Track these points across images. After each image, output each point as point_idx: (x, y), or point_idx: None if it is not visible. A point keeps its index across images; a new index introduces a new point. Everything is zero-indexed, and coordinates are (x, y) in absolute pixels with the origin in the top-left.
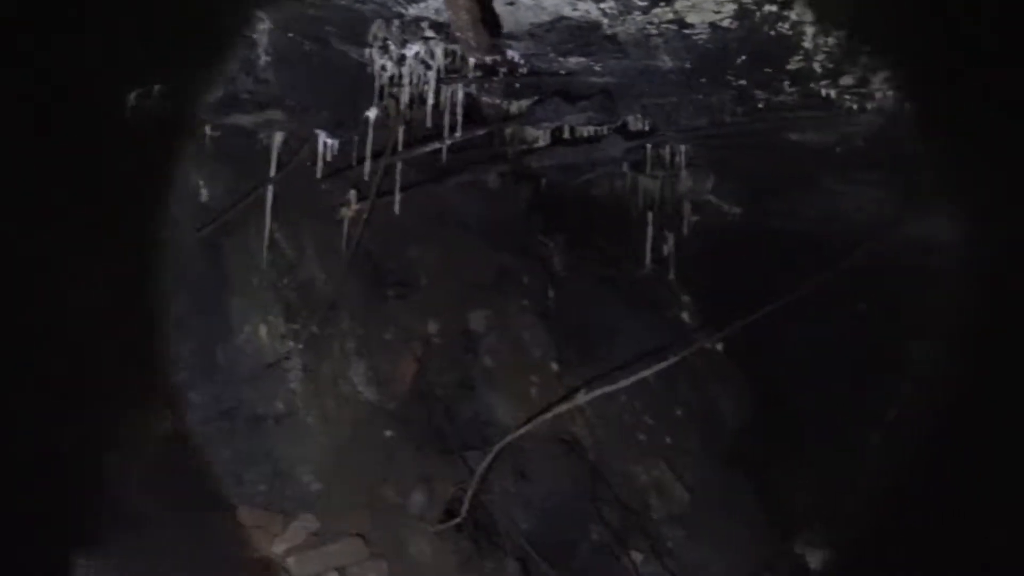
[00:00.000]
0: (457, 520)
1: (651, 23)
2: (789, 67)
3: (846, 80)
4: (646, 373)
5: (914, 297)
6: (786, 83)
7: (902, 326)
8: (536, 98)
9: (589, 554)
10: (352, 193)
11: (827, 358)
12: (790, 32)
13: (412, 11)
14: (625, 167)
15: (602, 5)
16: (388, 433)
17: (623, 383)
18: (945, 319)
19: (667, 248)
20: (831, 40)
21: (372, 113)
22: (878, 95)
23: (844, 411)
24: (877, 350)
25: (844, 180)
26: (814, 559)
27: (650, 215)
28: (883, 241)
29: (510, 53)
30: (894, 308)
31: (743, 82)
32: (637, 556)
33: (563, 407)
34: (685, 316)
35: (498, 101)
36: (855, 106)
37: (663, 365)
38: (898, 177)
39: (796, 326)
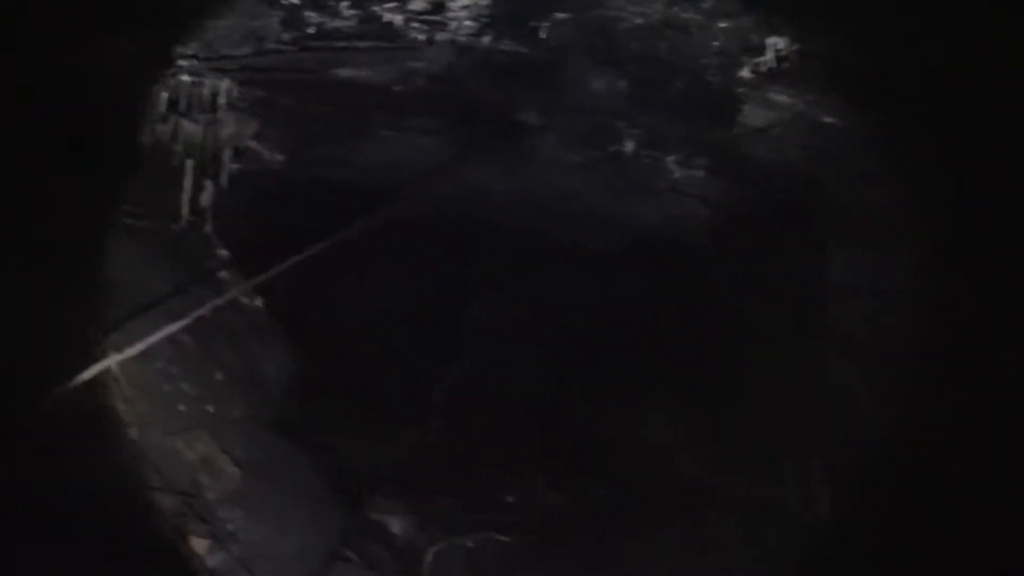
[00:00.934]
0: None
1: None
2: None
3: (417, 4)
4: (172, 329)
5: (474, 250)
6: (344, 4)
7: (460, 279)
8: None
9: (145, 547)
10: None
11: (382, 314)
12: None
13: None
14: (163, 107)
15: None
16: None
17: (150, 341)
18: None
19: (205, 199)
20: None
21: None
22: (453, 24)
23: (403, 368)
24: (433, 305)
25: (399, 127)
26: (395, 525)
27: (189, 163)
28: (427, 191)
29: None
30: (451, 261)
31: (294, 1)
32: (200, 544)
33: (90, 373)
34: (223, 272)
35: None
36: (422, 36)
37: (187, 321)
38: (459, 124)
39: (346, 280)
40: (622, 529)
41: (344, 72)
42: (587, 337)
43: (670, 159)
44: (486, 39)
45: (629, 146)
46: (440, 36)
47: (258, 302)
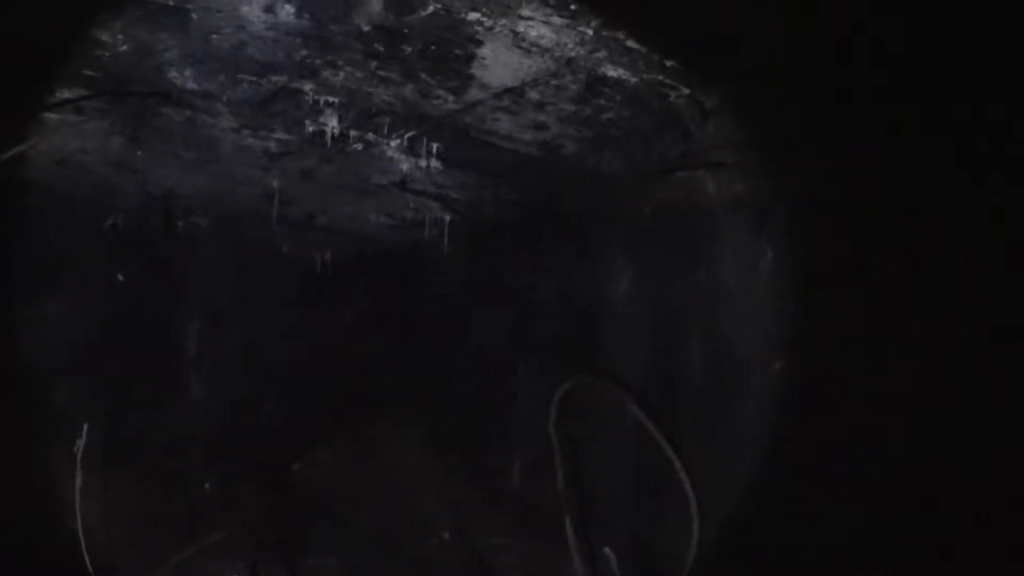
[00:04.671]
0: None
1: None
2: None
3: None
4: None
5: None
6: None
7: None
8: None
9: None
10: None
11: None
12: None
13: None
14: None
15: None
16: None
17: None
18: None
19: None
20: None
21: None
22: None
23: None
24: (141, 334)
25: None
26: None
27: None
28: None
29: None
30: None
31: None
32: None
33: None
34: None
35: None
36: None
37: None
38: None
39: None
40: None
41: None
42: (313, 366)
43: (391, 144)
44: None
45: (332, 123)
46: None
47: None
